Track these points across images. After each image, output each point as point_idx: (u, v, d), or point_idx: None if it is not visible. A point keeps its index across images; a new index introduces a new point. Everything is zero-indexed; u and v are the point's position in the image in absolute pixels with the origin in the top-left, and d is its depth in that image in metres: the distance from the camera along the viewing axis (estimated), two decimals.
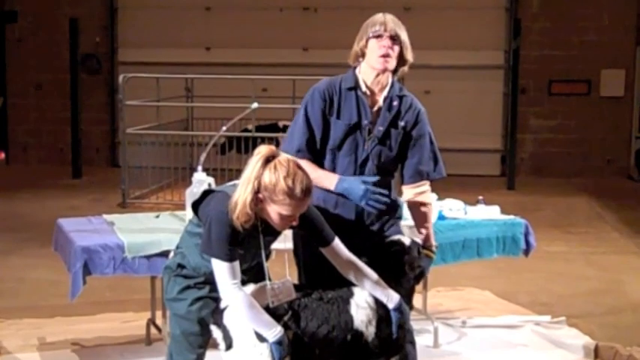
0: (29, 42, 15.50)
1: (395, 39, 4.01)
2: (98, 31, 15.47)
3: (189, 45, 15.14)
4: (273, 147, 3.59)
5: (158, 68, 13.68)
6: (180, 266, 3.83)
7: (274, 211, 3.51)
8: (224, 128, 6.27)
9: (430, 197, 4.26)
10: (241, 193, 3.49)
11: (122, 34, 15.62)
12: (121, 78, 11.74)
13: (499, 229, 5.79)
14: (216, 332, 3.68)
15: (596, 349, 5.60)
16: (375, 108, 4.08)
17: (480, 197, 6.12)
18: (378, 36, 4.01)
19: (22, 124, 15.76)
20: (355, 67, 4.14)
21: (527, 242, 5.84)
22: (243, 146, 11.89)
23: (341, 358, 3.73)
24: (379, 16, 4.07)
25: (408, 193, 4.19)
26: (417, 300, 5.57)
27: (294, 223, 3.59)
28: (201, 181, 5.25)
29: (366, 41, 4.05)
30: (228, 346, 3.61)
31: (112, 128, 15.47)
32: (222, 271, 3.54)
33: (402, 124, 4.08)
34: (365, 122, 4.04)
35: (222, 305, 3.67)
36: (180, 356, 3.87)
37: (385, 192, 3.97)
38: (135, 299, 6.51)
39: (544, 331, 6.09)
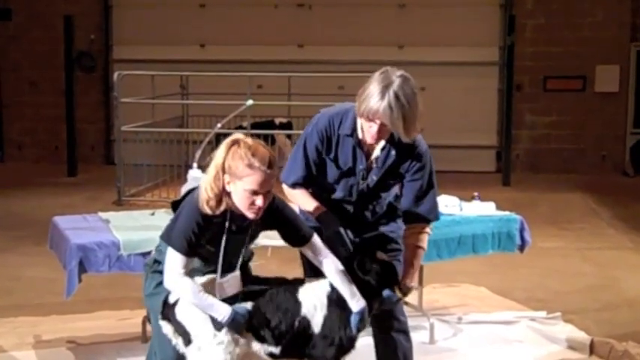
0: (24, 40, 15.46)
1: (385, 125, 3.72)
2: (93, 29, 15.43)
3: (184, 42, 15.11)
4: (240, 135, 3.62)
5: (153, 66, 13.65)
6: (157, 262, 3.84)
7: (239, 189, 3.51)
8: (219, 125, 6.27)
9: (423, 240, 4.11)
10: (207, 174, 3.57)
11: (117, 32, 15.59)
12: (115, 75, 11.73)
13: (494, 225, 5.80)
14: (165, 328, 3.68)
15: (592, 345, 5.61)
16: (373, 156, 3.97)
17: (476, 193, 6.13)
18: (371, 120, 3.75)
19: (17, 123, 15.72)
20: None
21: (523, 238, 5.86)
22: None
23: (290, 344, 3.72)
24: (378, 97, 3.65)
25: (404, 231, 4.13)
26: (412, 296, 5.59)
27: (255, 210, 3.53)
28: (196, 178, 5.24)
29: (360, 113, 3.78)
30: (188, 342, 3.61)
31: (107, 126, 15.44)
32: (175, 261, 3.57)
33: (399, 171, 3.99)
34: (360, 167, 3.97)
35: (171, 299, 3.68)
36: (162, 352, 3.87)
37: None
38: (131, 297, 6.50)
39: (540, 326, 6.11)
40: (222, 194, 3.55)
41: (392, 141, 3.92)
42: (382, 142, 3.94)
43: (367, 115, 3.73)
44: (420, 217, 4.08)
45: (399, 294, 3.97)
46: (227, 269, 3.71)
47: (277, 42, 14.89)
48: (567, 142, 14.82)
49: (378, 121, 3.73)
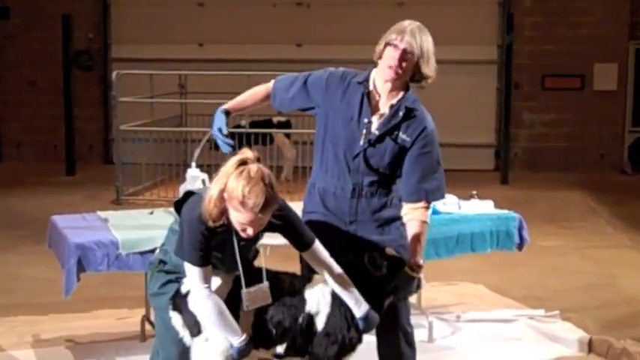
0: (22, 39, 15.44)
1: (408, 52, 3.89)
2: (91, 28, 15.41)
3: (183, 41, 15.10)
4: (253, 154, 3.57)
5: (151, 64, 13.64)
6: (162, 262, 3.86)
7: (232, 214, 3.52)
8: None
9: (426, 215, 4.07)
10: (212, 189, 3.53)
11: (115, 31, 15.57)
12: (114, 74, 11.73)
13: (493, 223, 5.80)
14: (175, 319, 3.69)
15: (590, 343, 5.62)
16: (379, 112, 4.00)
17: (474, 192, 6.13)
18: (394, 45, 3.91)
19: (15, 121, 15.69)
20: (375, 66, 4.05)
21: (521, 237, 5.86)
22: (237, 142, 11.86)
23: (293, 341, 3.74)
24: (403, 24, 3.96)
25: (405, 208, 4.07)
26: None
27: (246, 235, 3.54)
28: (194, 177, 5.26)
29: (384, 46, 3.96)
30: (197, 333, 3.63)
31: (105, 125, 15.42)
32: (194, 275, 3.59)
33: (403, 137, 3.98)
34: (364, 120, 3.98)
35: (183, 290, 3.70)
36: (164, 351, 3.88)
37: (230, 142, 4.05)
38: (129, 296, 6.51)
39: (538, 324, 6.11)
40: (224, 210, 3.53)
41: (400, 105, 3.99)
42: (393, 100, 3.98)
43: (390, 40, 3.92)
44: (426, 195, 4.03)
45: (411, 273, 3.94)
46: (230, 270, 3.73)
47: (276, 41, 14.87)
48: (566, 140, 14.82)
49: (401, 46, 3.88)
